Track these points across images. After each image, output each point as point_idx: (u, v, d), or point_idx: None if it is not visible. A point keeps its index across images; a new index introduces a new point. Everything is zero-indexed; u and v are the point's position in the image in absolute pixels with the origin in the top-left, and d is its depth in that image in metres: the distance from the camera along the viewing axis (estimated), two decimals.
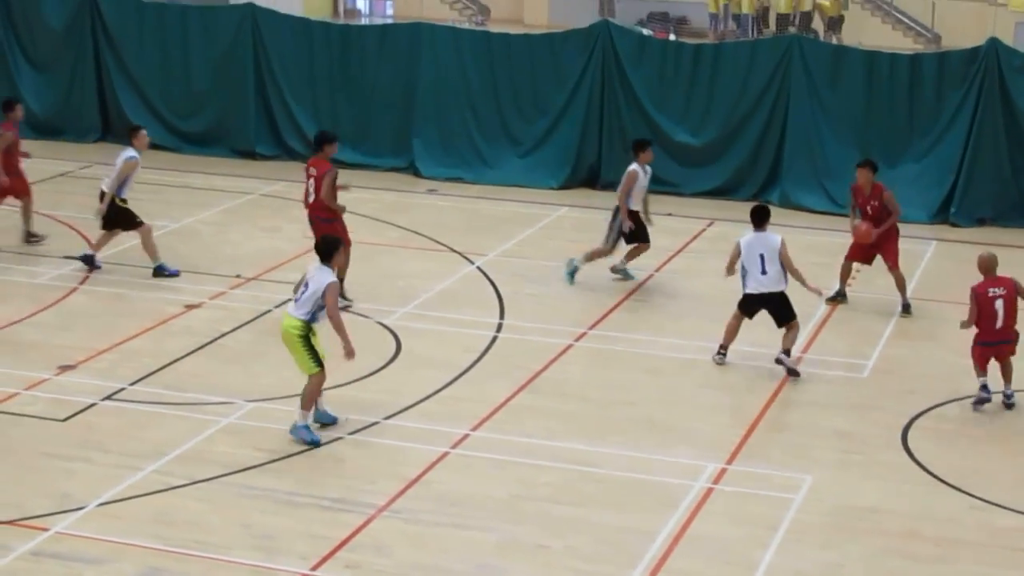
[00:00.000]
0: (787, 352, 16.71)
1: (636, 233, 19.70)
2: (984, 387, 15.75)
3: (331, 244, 14.79)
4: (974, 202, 23.73)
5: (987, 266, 15.85)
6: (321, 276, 14.46)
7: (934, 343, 17.83)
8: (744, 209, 22.89)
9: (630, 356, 17.21)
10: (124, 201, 19.48)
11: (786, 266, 16.62)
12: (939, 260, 21.76)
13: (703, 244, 21.78)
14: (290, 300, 14.80)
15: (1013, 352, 15.87)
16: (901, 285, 18.88)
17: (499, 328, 17.99)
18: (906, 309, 18.83)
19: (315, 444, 14.42)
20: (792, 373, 16.55)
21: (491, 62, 26.03)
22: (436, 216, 23.44)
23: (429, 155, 26.17)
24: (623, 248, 19.94)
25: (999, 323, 15.63)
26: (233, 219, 22.93)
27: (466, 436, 14.66)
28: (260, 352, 16.62)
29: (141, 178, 20.17)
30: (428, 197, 24.84)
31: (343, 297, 18.74)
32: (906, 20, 44.62)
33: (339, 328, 14.46)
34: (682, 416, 15.42)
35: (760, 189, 24.74)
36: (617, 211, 19.62)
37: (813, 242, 21.51)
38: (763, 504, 13.34)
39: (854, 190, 18.92)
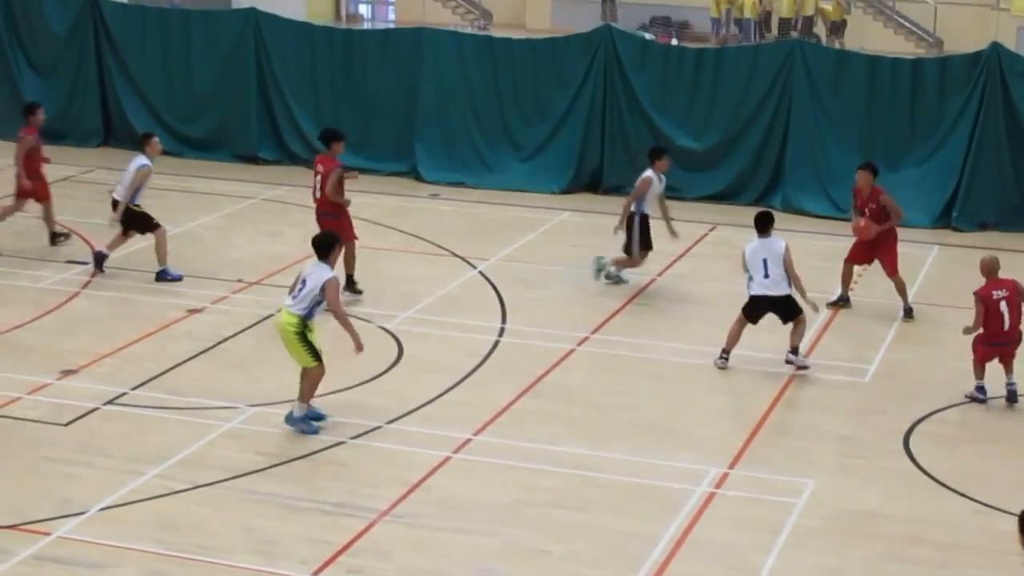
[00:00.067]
0: (795, 350, 16.80)
1: (641, 239, 19.74)
2: (981, 388, 15.90)
3: (328, 240, 14.85)
4: (976, 206, 23.72)
5: (990, 269, 15.98)
6: (319, 272, 14.53)
7: (936, 347, 17.82)
8: (746, 213, 22.90)
9: (632, 360, 17.21)
10: (138, 206, 19.55)
11: (789, 273, 16.66)
12: (941, 265, 21.76)
13: (705, 248, 21.77)
14: (287, 297, 14.87)
15: (1015, 354, 16.03)
16: (902, 290, 18.88)
17: (501, 332, 17.99)
18: (908, 313, 18.83)
19: (312, 433, 14.59)
20: (802, 367, 16.71)
21: (493, 67, 26.03)
22: (438, 220, 23.44)
23: (431, 159, 26.18)
24: (616, 251, 19.98)
25: (1006, 324, 15.77)
26: (235, 223, 22.94)
27: (468, 441, 14.65)
28: (262, 356, 16.62)
29: None
30: (430, 201, 24.84)
31: (354, 290, 18.89)
32: (908, 25, 44.62)
33: (344, 323, 14.58)
34: (684, 420, 15.42)
35: (762, 193, 24.75)
36: (631, 217, 19.63)
37: (815, 247, 21.50)
38: (765, 508, 13.33)
39: (854, 192, 18.97)
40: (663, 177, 19.77)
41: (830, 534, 12.89)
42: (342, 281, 18.93)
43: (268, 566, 12.05)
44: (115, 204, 19.63)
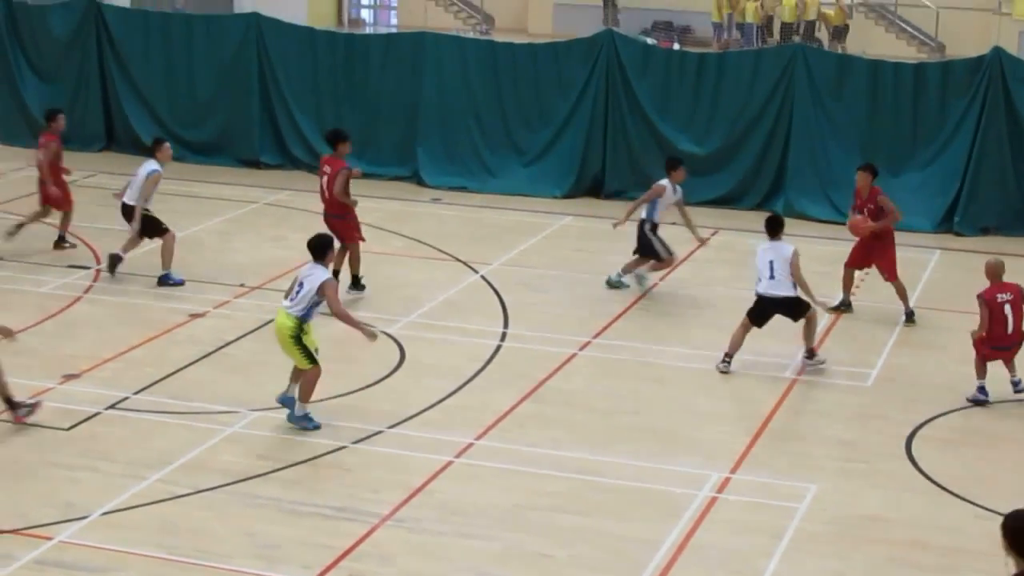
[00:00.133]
0: (810, 353, 16.89)
1: (642, 245, 19.75)
2: (983, 389, 15.93)
3: (323, 242, 14.91)
4: (978, 211, 23.75)
5: (994, 272, 16.03)
6: (316, 274, 14.61)
7: (938, 352, 17.83)
8: (749, 218, 23.05)
9: (635, 365, 17.21)
10: (148, 211, 19.61)
11: (795, 277, 16.74)
12: (943, 269, 21.77)
13: (708, 253, 21.77)
14: (284, 300, 14.95)
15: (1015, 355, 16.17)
16: (902, 294, 18.89)
17: (503, 337, 18.00)
18: (909, 317, 18.84)
19: (315, 429, 14.70)
20: (819, 363, 16.97)
21: (495, 71, 26.06)
22: (440, 225, 23.45)
23: (433, 164, 26.21)
24: (618, 256, 20.00)
25: (1010, 327, 15.82)
26: (237, 228, 22.96)
27: (470, 445, 14.65)
28: (264, 361, 16.61)
29: None
30: (432, 206, 24.86)
31: (358, 287, 18.95)
32: (910, 29, 44.64)
33: (348, 320, 14.76)
34: (686, 425, 15.41)
35: (764, 198, 24.77)
36: (642, 223, 19.64)
37: (817, 251, 21.49)
38: (767, 513, 13.32)
39: (855, 193, 19.00)
40: (679, 188, 19.75)
41: (832, 538, 12.89)
42: (346, 282, 19.11)
43: (270, 570, 12.04)
44: (124, 208, 19.70)
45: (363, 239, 19.34)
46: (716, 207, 24.54)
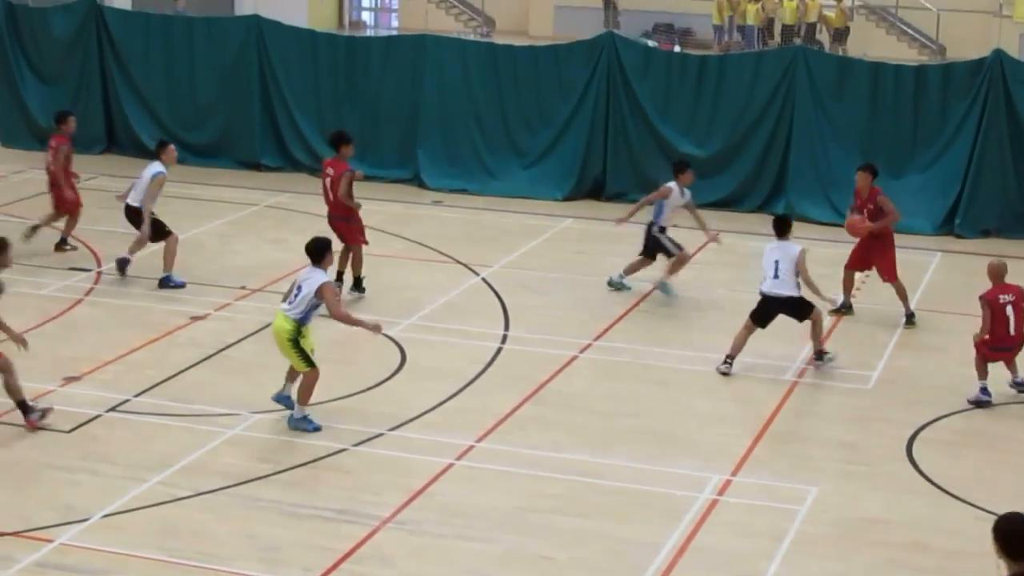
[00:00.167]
0: (819, 355, 17.02)
1: (650, 248, 19.75)
2: (985, 390, 15.96)
3: (320, 245, 14.93)
4: (979, 213, 23.75)
5: (997, 273, 16.09)
6: (314, 277, 14.65)
7: (939, 354, 17.82)
8: (749, 220, 23.05)
9: (635, 367, 17.21)
10: (152, 213, 19.62)
11: (802, 276, 16.83)
12: (944, 271, 21.77)
13: (708, 255, 21.75)
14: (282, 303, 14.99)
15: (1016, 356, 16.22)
16: (902, 296, 18.89)
17: (504, 339, 17.99)
18: (909, 319, 18.83)
19: (315, 430, 14.71)
20: (831, 360, 17.09)
21: (496, 74, 26.06)
22: (441, 227, 23.46)
23: (434, 166, 26.21)
24: (623, 260, 19.99)
25: (1012, 329, 15.87)
26: (238, 230, 22.96)
27: (471, 447, 14.65)
28: (265, 363, 16.60)
29: None
30: (433, 208, 24.86)
31: (359, 289, 19.00)
32: (911, 31, 44.65)
33: (348, 320, 14.88)
34: (687, 427, 15.41)
35: (765, 200, 24.76)
36: (650, 226, 19.65)
37: (818, 253, 21.41)
38: (768, 515, 13.32)
39: (855, 193, 19.01)
40: (687, 191, 19.73)
41: (833, 541, 12.88)
42: (348, 283, 19.16)
43: (270, 573, 12.03)
44: (128, 209, 19.73)
45: (366, 242, 19.39)
46: (717, 209, 24.50)
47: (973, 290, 16.77)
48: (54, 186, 21.22)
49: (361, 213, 19.39)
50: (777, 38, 43.66)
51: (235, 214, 23.92)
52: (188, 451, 14.34)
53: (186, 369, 16.65)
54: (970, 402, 16.05)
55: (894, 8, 44.97)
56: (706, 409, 15.97)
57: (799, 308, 16.92)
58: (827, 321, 18.50)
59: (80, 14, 27.87)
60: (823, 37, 43.47)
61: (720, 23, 44.25)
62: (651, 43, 36.66)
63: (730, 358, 16.96)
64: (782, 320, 17.29)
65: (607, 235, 23.20)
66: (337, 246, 19.39)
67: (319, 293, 14.56)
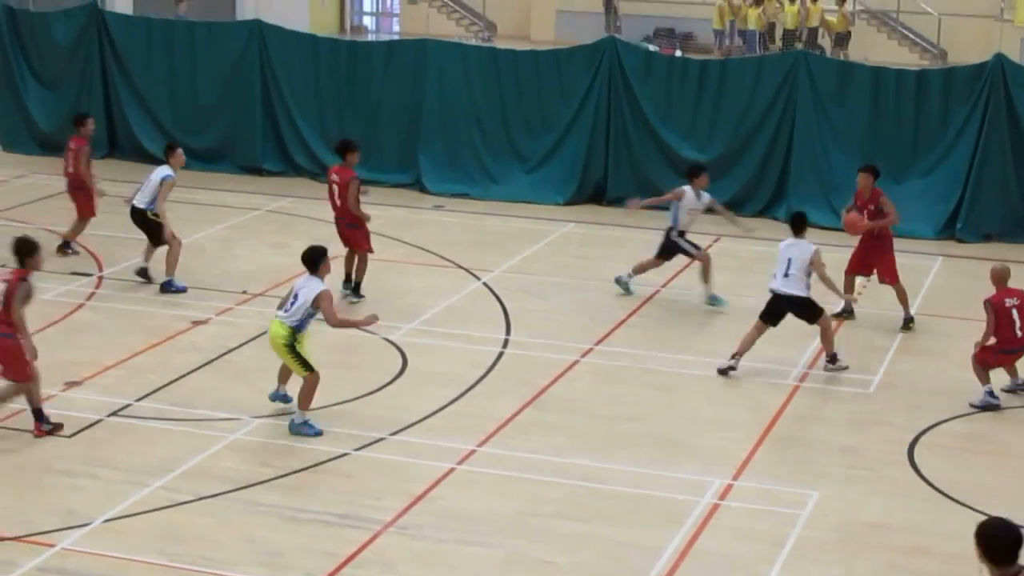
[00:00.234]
0: (832, 359, 17.04)
1: (666, 249, 19.74)
2: (992, 392, 15.97)
3: (316, 254, 14.96)
4: (980, 218, 23.74)
5: (1001, 277, 16.15)
6: (311, 285, 14.70)
7: (940, 358, 17.82)
8: (751, 225, 22.99)
9: (636, 372, 17.21)
10: (156, 216, 19.66)
11: (819, 276, 16.97)
12: (945, 276, 21.77)
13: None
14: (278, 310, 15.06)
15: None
16: (903, 299, 18.89)
17: (505, 344, 17.99)
18: (907, 323, 18.83)
19: (317, 435, 14.74)
20: (842, 368, 17.11)
21: (497, 78, 26.07)
22: (442, 232, 23.46)
23: (435, 171, 26.22)
24: (632, 259, 20.02)
25: (1019, 331, 15.93)
26: (240, 235, 22.97)
27: (472, 452, 14.65)
28: (266, 368, 16.58)
29: None
30: (434, 213, 24.87)
31: (356, 294, 19.04)
32: (912, 36, 44.65)
33: (346, 325, 15.05)
34: (688, 432, 15.41)
35: (766, 205, 24.76)
36: (669, 230, 19.65)
37: None
38: (769, 520, 13.32)
39: (856, 195, 19.02)
40: (703, 194, 19.70)
41: (834, 546, 12.88)
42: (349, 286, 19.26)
43: None
44: (134, 211, 19.79)
45: (371, 250, 19.45)
46: (718, 213, 24.49)
47: (975, 294, 16.78)
48: (79, 189, 21.30)
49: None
50: (778, 43, 43.65)
51: (237, 218, 23.93)
52: (189, 455, 14.34)
53: (187, 373, 16.66)
54: (975, 406, 16.03)
55: (895, 13, 44.97)
56: (707, 413, 15.98)
57: (807, 310, 16.97)
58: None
59: (82, 19, 27.89)
60: (824, 42, 43.45)
61: (721, 28, 44.21)
62: (652, 47, 36.64)
63: (737, 355, 16.98)
64: (783, 324, 17.30)
65: (608, 239, 23.24)
66: (342, 250, 19.49)
67: (316, 302, 14.61)
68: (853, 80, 24.54)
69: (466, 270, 21.16)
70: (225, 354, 17.36)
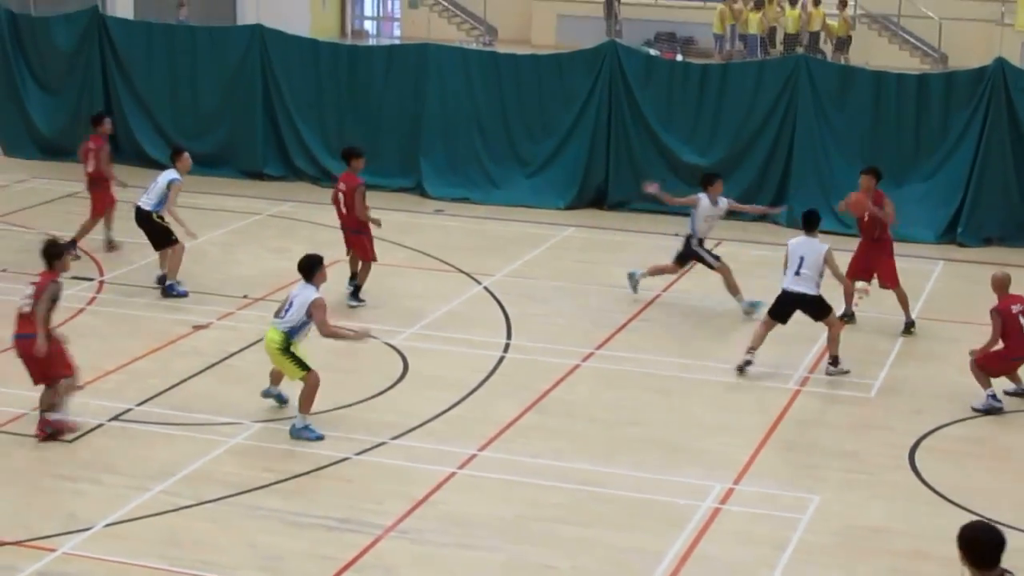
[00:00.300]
0: (834, 361, 17.05)
1: (684, 256, 19.72)
2: (994, 396, 16.00)
3: (312, 262, 15.01)
4: (981, 222, 23.74)
5: (1002, 284, 16.22)
6: (305, 293, 14.78)
7: (941, 363, 17.82)
8: (751, 229, 23.03)
9: (637, 376, 17.21)
10: (162, 219, 19.70)
11: (833, 273, 17.15)
12: (946, 280, 21.77)
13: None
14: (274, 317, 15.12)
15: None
16: (903, 303, 18.90)
17: (506, 348, 18.00)
18: (908, 327, 18.83)
19: (318, 439, 14.75)
20: (843, 373, 17.11)
21: (498, 82, 26.08)
22: (443, 236, 23.47)
23: (436, 175, 26.22)
24: (650, 260, 20.10)
25: None
26: (241, 239, 22.97)
27: (473, 456, 14.65)
28: (267, 372, 16.56)
29: None
30: (435, 217, 24.87)
31: (357, 296, 19.06)
32: (913, 40, 44.64)
33: (337, 336, 14.93)
34: (690, 436, 15.41)
35: (754, 213, 24.72)
36: (688, 238, 19.63)
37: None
38: (770, 524, 13.32)
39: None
40: (720, 200, 19.60)
41: (835, 550, 12.88)
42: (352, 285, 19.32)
43: None
44: (139, 213, 19.83)
45: (375, 259, 19.49)
46: (742, 211, 24.36)
47: (975, 299, 16.79)
48: (97, 187, 21.57)
49: (371, 226, 19.47)
50: (779, 47, 43.63)
51: (238, 223, 23.94)
52: (190, 460, 14.35)
53: (188, 378, 16.66)
54: (978, 410, 16.05)
55: (896, 17, 44.97)
56: (708, 418, 15.97)
57: (817, 307, 17.04)
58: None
59: (83, 23, 27.89)
60: (826, 47, 43.42)
61: (721, 32, 44.18)
62: (653, 52, 36.63)
63: (751, 350, 17.04)
64: (785, 329, 17.32)
65: (609, 244, 23.25)
66: (341, 255, 19.50)
67: (309, 311, 14.65)
68: (854, 84, 24.54)
69: (467, 274, 21.16)
70: (226, 359, 17.36)
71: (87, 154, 21.64)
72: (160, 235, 19.82)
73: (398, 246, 22.48)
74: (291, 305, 14.81)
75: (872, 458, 14.92)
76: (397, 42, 45.79)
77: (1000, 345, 16.00)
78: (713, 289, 20.26)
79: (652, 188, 20.30)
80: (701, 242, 19.67)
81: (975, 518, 13.38)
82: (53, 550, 12.48)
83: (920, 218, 23.42)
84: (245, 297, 19.67)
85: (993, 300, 16.23)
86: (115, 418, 15.39)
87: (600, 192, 25.68)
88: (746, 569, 12.48)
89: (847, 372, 17.14)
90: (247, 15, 41.11)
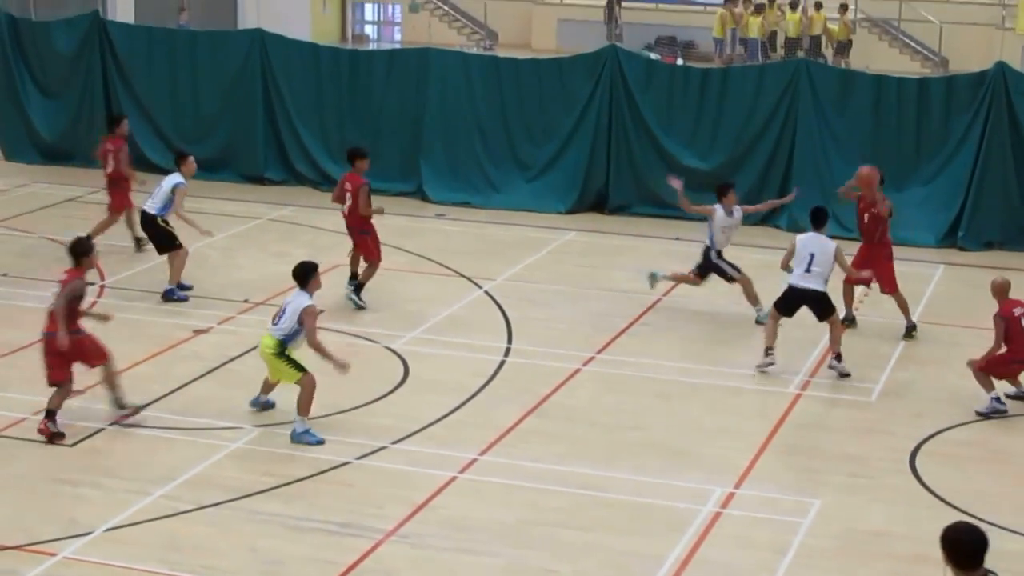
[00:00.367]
0: (838, 357, 17.06)
1: (704, 268, 19.66)
2: (998, 399, 16.00)
3: (306, 269, 15.03)
4: (982, 226, 23.75)
5: (1002, 290, 16.27)
6: (298, 300, 14.82)
7: (942, 366, 17.81)
8: (752, 233, 23.00)
9: (638, 380, 17.21)
10: (167, 222, 19.73)
11: (844, 270, 17.43)
12: (947, 284, 21.77)
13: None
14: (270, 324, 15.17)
15: None
16: (903, 307, 18.89)
17: (507, 352, 17.99)
18: (909, 331, 18.82)
19: (319, 443, 14.74)
20: (844, 375, 17.09)
21: (499, 87, 26.09)
22: (444, 241, 23.47)
23: (437, 180, 26.23)
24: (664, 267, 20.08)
25: None
26: (241, 244, 22.98)
27: (474, 460, 14.65)
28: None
29: None
30: (436, 222, 24.88)
31: (358, 294, 19.09)
32: (913, 44, 44.69)
33: (320, 351, 14.84)
34: (690, 440, 15.40)
35: (768, 214, 24.72)
36: (707, 249, 19.55)
37: None
38: (771, 528, 13.31)
39: (859, 198, 19.07)
40: (735, 210, 19.52)
41: (836, 554, 12.88)
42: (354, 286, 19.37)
43: None
44: (144, 216, 19.89)
45: (380, 259, 19.54)
46: (760, 211, 24.34)
47: (976, 302, 16.79)
48: (116, 187, 21.74)
49: (375, 226, 19.52)
50: (780, 51, 43.65)
51: (238, 227, 23.94)
52: (191, 464, 14.34)
53: (189, 383, 16.66)
54: (982, 413, 16.04)
55: (897, 21, 45.01)
56: (709, 422, 15.97)
57: (823, 305, 17.08)
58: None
59: (83, 28, 27.91)
60: (827, 51, 43.44)
61: (721, 36, 44.21)
62: (654, 56, 36.68)
63: (769, 350, 17.10)
64: (786, 331, 17.32)
65: (610, 248, 23.25)
66: (338, 260, 19.49)
67: (301, 318, 14.68)
68: (855, 88, 24.56)
69: (468, 278, 21.16)
70: (227, 363, 17.36)
71: (106, 155, 21.81)
72: (164, 240, 19.83)
73: (399, 250, 22.48)
74: (284, 312, 14.86)
75: (873, 462, 14.92)
76: (398, 46, 45.84)
77: (1004, 349, 16.02)
78: (714, 293, 20.24)
79: (676, 184, 20.12)
80: (720, 253, 19.58)
81: (976, 522, 13.44)
82: (54, 554, 12.47)
83: (921, 222, 23.43)
84: (246, 301, 19.68)
85: (994, 305, 16.24)
86: (116, 422, 15.38)
87: (601, 196, 25.69)
88: (747, 573, 12.48)
89: (848, 375, 17.14)
90: (248, 19, 41.15)
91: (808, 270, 17.01)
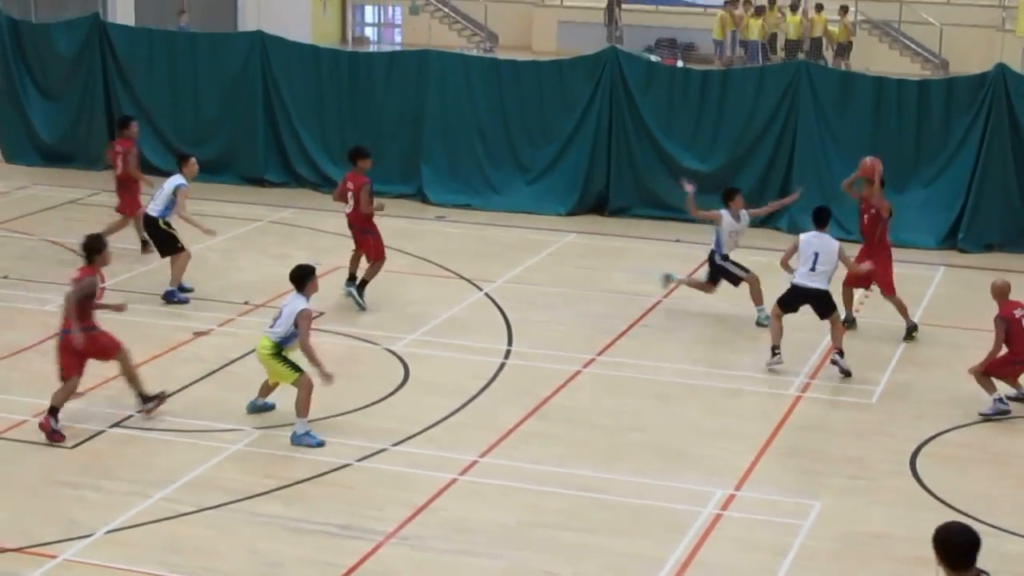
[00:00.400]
0: (840, 352, 17.11)
1: (713, 274, 19.64)
2: (1001, 399, 16.00)
3: (303, 272, 15.05)
4: (982, 228, 23.74)
5: (1003, 292, 16.29)
6: (295, 303, 14.84)
7: (943, 368, 17.80)
8: (752, 234, 22.94)
9: (638, 382, 17.20)
10: (169, 225, 19.74)
11: (848, 267, 17.56)
12: (947, 285, 21.77)
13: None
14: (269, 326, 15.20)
15: None
16: (902, 309, 18.88)
17: (507, 355, 17.99)
18: (910, 333, 18.81)
19: (319, 445, 14.74)
20: (846, 373, 17.11)
21: (499, 89, 26.08)
22: (444, 243, 23.47)
23: (437, 182, 26.23)
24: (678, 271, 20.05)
25: None
26: (242, 246, 22.98)
27: (474, 463, 14.64)
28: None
29: None
30: (436, 223, 24.88)
31: (360, 294, 19.11)
32: (914, 46, 44.68)
33: (311, 356, 14.80)
34: (690, 442, 15.40)
35: (768, 215, 24.72)
36: (712, 254, 19.54)
37: None
38: (772, 530, 13.31)
39: (861, 199, 19.09)
40: (742, 215, 19.50)
41: (837, 556, 12.87)
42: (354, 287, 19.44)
43: None
44: (147, 219, 19.95)
45: (384, 257, 19.59)
46: (768, 212, 24.31)
47: (977, 304, 16.78)
48: (125, 188, 21.77)
49: (377, 224, 19.57)
50: (780, 53, 43.65)
51: (238, 229, 23.93)
52: (191, 467, 14.34)
53: (189, 385, 16.66)
54: (986, 415, 16.04)
55: (897, 23, 45.01)
56: (709, 424, 15.97)
57: (825, 304, 17.12)
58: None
59: (84, 30, 27.91)
60: (827, 53, 43.44)
61: (721, 38, 44.21)
62: (654, 58, 36.67)
63: (776, 348, 17.15)
64: (786, 333, 17.32)
65: (610, 250, 23.25)
66: (337, 262, 19.49)
67: (296, 321, 14.69)
68: (855, 90, 24.55)
69: (468, 280, 21.16)
70: (227, 365, 17.36)
71: (115, 157, 21.87)
72: (166, 242, 19.83)
73: (399, 252, 22.47)
74: (281, 314, 14.88)
75: (873, 464, 14.92)
76: (398, 48, 45.87)
77: (1005, 350, 16.03)
78: (714, 296, 20.24)
79: (689, 188, 20.06)
80: (726, 256, 19.55)
81: (976, 524, 13.43)
82: (54, 556, 12.47)
83: (921, 224, 23.42)
84: (246, 304, 19.68)
85: (994, 307, 16.24)
86: (116, 424, 15.39)
87: (601, 198, 25.68)
88: (747, 575, 12.47)
89: (849, 374, 17.14)
90: (248, 22, 41.16)
91: (813, 269, 17.05)
